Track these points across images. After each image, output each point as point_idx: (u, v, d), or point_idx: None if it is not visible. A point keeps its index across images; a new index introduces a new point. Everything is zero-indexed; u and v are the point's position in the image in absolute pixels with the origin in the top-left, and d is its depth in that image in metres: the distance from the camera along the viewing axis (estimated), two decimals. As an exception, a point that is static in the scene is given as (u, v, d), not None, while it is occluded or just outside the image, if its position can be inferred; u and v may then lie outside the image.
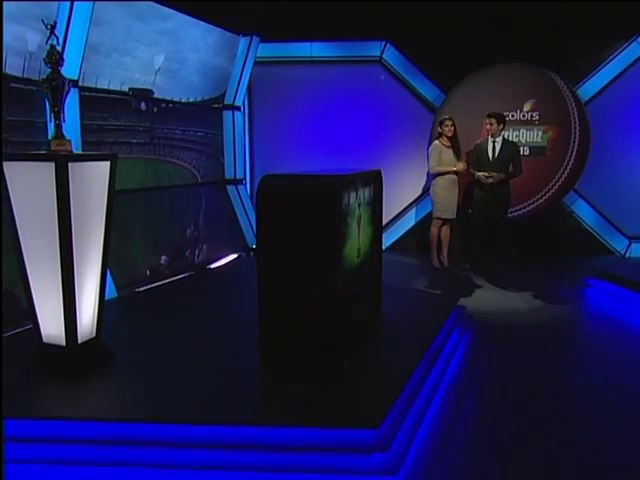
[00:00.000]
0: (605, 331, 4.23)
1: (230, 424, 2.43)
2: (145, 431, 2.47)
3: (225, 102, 6.38)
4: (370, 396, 2.57)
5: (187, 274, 5.37)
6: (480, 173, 5.62)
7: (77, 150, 4.19)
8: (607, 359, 3.63)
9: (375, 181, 3.71)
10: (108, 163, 2.83)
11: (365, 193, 3.43)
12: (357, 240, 3.32)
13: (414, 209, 7.05)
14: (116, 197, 4.58)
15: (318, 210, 2.73)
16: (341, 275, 2.92)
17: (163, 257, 5.24)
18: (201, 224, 5.89)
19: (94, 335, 2.93)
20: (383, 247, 6.90)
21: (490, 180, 5.57)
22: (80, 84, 4.20)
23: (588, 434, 2.66)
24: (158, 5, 4.70)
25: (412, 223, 7.07)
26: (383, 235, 6.87)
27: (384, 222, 6.83)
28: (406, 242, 7.10)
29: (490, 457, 2.49)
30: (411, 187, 6.90)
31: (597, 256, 6.57)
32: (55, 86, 2.57)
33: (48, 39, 2.57)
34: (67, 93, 2.65)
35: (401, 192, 6.98)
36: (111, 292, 4.43)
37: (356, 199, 3.22)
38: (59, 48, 2.60)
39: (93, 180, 2.74)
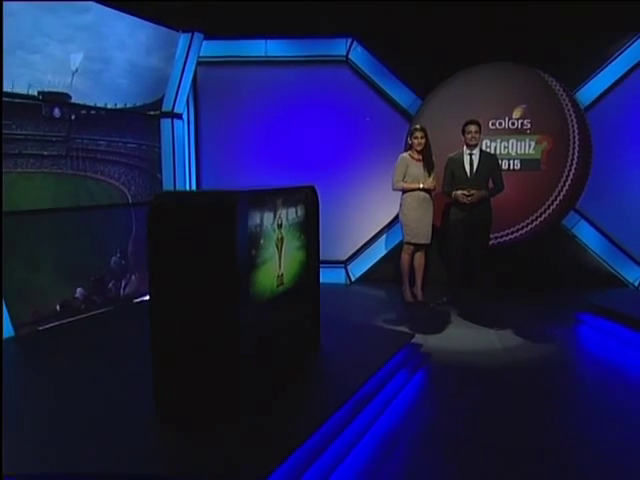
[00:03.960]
0: (591, 376, 4.31)
1: (113, 476, 2.54)
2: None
3: (163, 109, 6.62)
4: (269, 445, 2.68)
5: (107, 309, 5.49)
6: (458, 192, 5.77)
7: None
8: (585, 411, 3.69)
9: (306, 199, 3.87)
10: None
11: (289, 213, 3.59)
12: (277, 266, 3.47)
13: (387, 233, 7.22)
14: (22, 218, 4.84)
15: (214, 231, 2.87)
16: (248, 307, 3.05)
17: (79, 290, 5.36)
18: (130, 251, 6.03)
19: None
20: (352, 278, 7.23)
21: (470, 199, 5.72)
22: (-26, 87, 4.39)
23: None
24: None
25: (385, 250, 7.23)
26: (352, 264, 7.22)
27: (353, 249, 7.26)
28: (380, 272, 7.25)
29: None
30: (384, 207, 7.06)
31: (604, 288, 6.71)
32: None
33: None
34: None
35: (373, 213, 7.19)
36: (7, 330, 4.55)
37: (274, 219, 3.38)
38: None
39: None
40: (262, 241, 3.24)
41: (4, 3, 4.26)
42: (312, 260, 3.98)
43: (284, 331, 3.61)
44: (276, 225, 3.42)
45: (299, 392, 3.33)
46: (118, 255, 5.88)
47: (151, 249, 3.00)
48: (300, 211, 3.77)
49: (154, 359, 3.03)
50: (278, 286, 3.49)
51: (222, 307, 2.94)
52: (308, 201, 3.89)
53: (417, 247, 6.10)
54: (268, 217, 3.31)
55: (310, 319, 4.00)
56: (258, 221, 3.19)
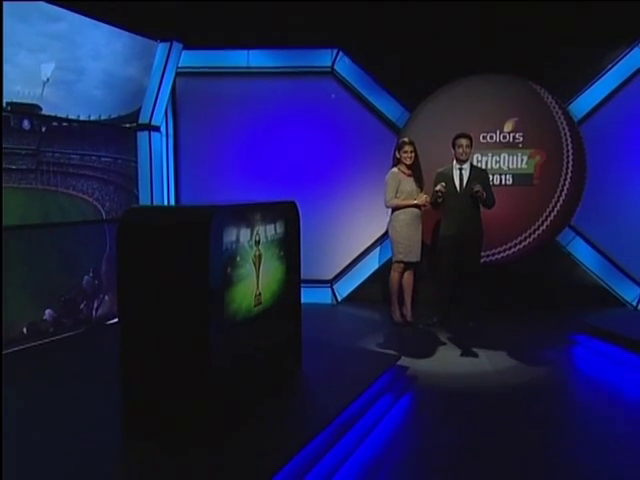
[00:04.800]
0: (586, 401, 4.33)
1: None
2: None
3: (140, 121, 6.65)
4: (243, 472, 2.67)
5: (78, 331, 5.47)
6: (438, 187, 5.76)
7: None
8: (580, 437, 3.69)
9: (287, 215, 3.90)
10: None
11: (268, 229, 3.62)
12: (255, 284, 3.48)
13: (375, 251, 7.25)
14: (-12, 236, 4.83)
15: (187, 249, 2.89)
16: (222, 327, 3.06)
17: (48, 311, 5.34)
18: (103, 270, 6.02)
19: None
20: (339, 298, 7.24)
21: (440, 188, 5.71)
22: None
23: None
24: (45, 3, 4.98)
25: (373, 268, 7.26)
26: (339, 283, 7.24)
27: (340, 268, 7.29)
28: (367, 291, 7.28)
29: None
30: (372, 224, 7.11)
31: (601, 308, 6.76)
32: None
33: None
34: None
35: (360, 230, 7.23)
36: (-31, 354, 4.52)
37: (251, 236, 3.40)
38: None
39: None
40: (238, 258, 3.26)
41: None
42: (293, 278, 4.00)
43: (263, 353, 3.62)
44: (253, 242, 3.44)
45: (276, 417, 3.33)
46: (91, 274, 5.87)
47: (121, 267, 3.01)
48: (280, 227, 3.80)
49: (122, 382, 3.03)
50: (256, 305, 3.51)
51: (195, 327, 2.95)
52: (288, 217, 3.92)
53: (407, 265, 6.13)
54: (245, 233, 3.33)
55: (291, 340, 4.01)
56: (234, 238, 3.21)
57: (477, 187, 5.72)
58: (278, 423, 3.24)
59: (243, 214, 3.33)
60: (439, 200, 5.84)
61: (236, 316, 3.27)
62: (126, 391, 3.04)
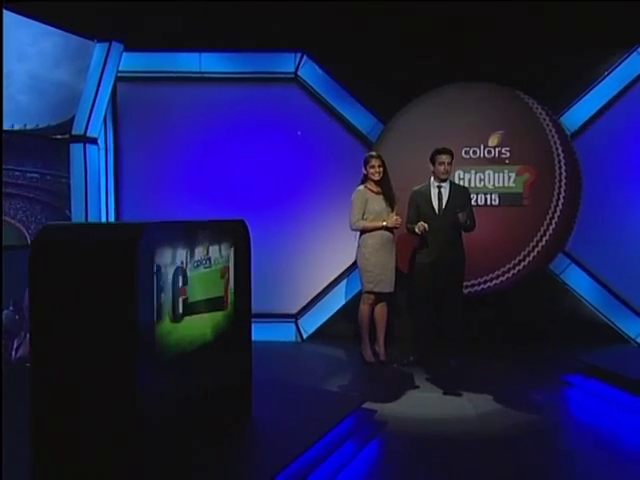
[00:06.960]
0: (580, 450, 4.29)
1: None
2: None
3: (73, 132, 6.62)
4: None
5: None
6: (420, 224, 5.73)
7: None
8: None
9: (234, 235, 3.87)
10: None
11: (212, 251, 3.59)
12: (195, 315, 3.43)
13: (345, 281, 7.25)
14: None
15: (111, 272, 2.84)
16: (153, 365, 3.00)
17: (-42, 350, 5.22)
18: (26, 303, 5.90)
19: None
20: (304, 335, 7.19)
21: (422, 228, 5.67)
22: None
23: None
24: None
25: (343, 301, 7.26)
26: (304, 318, 7.21)
27: (305, 301, 7.25)
28: (337, 327, 7.26)
29: None
30: (341, 250, 7.09)
31: (599, 344, 6.78)
32: None
33: None
34: None
35: (328, 258, 7.23)
36: None
37: (191, 258, 3.37)
38: None
39: None
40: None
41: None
42: (242, 308, 3.95)
43: (204, 395, 3.56)
44: (194, 265, 3.40)
45: (219, 468, 3.26)
46: (11, 308, 5.77)
47: (34, 295, 2.95)
48: (225, 249, 3.76)
49: (33, 435, 2.93)
50: (197, 338, 3.45)
51: (120, 366, 2.89)
52: (236, 237, 3.89)
53: (379, 297, 6.11)
54: (182, 255, 3.30)
55: (240, 379, 3.95)
56: (169, 259, 3.17)
57: (462, 217, 5.70)
58: (220, 476, 3.15)
59: (180, 232, 3.30)
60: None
61: (171, 352, 3.21)
62: (36, 447, 2.95)
